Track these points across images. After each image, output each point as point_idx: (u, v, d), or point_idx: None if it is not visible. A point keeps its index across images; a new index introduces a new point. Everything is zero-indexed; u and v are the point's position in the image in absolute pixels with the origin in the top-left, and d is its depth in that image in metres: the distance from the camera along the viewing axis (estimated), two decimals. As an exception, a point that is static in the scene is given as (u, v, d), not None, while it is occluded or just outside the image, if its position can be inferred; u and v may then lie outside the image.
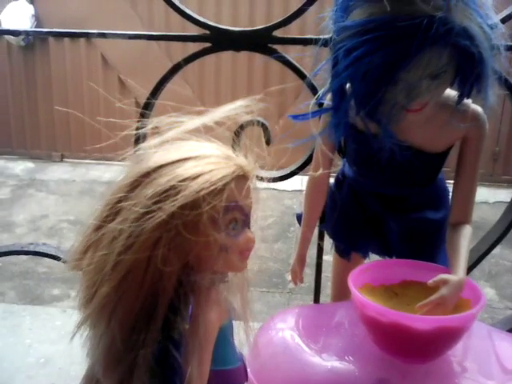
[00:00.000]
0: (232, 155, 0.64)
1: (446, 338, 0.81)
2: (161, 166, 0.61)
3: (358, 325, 0.91)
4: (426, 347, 0.82)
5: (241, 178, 0.62)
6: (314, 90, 1.06)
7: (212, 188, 0.59)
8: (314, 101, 0.92)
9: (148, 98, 1.11)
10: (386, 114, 0.83)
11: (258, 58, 3.96)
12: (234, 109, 0.65)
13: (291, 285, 2.67)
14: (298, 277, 1.15)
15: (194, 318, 0.61)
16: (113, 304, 0.60)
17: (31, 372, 1.27)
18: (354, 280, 0.87)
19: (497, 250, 2.99)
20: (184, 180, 0.59)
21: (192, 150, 0.63)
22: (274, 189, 4.01)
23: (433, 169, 0.99)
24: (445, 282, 0.83)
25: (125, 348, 0.60)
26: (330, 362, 0.85)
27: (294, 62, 1.10)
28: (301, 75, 1.10)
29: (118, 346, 0.60)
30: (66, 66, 4.08)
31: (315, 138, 0.97)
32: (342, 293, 1.16)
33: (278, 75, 3.93)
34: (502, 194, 3.59)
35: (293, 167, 1.23)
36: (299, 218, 1.16)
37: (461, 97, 0.87)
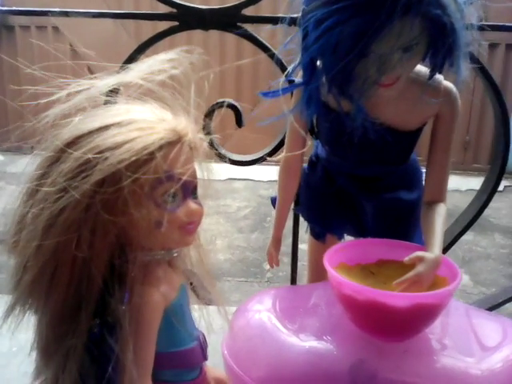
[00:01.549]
0: (167, 118, 0.57)
1: (424, 315, 0.81)
2: (79, 137, 0.54)
3: (334, 305, 0.89)
4: (404, 325, 0.82)
5: (174, 143, 0.56)
6: (283, 67, 1.04)
7: (133, 159, 0.52)
8: (283, 77, 0.89)
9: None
10: (357, 89, 0.82)
11: (230, 40, 3.95)
12: (157, 62, 0.58)
13: (269, 274, 2.67)
14: (273, 260, 1.13)
15: (130, 300, 0.56)
16: (40, 293, 0.55)
17: (3, 361, 1.24)
18: (330, 259, 0.85)
19: (470, 237, 3.07)
20: (101, 152, 0.52)
21: (117, 114, 0.56)
22: (249, 179, 4.02)
23: (405, 147, 0.98)
24: (421, 260, 0.82)
25: (56, 339, 0.56)
26: (308, 343, 0.84)
27: (260, 38, 1.08)
28: (269, 53, 1.07)
29: (49, 337, 0.56)
30: (34, 57, 3.97)
31: (287, 115, 0.94)
32: (318, 275, 1.14)
33: (251, 56, 3.91)
34: (473, 182, 3.66)
35: (266, 150, 1.22)
36: (274, 201, 1.15)
37: (433, 71, 0.86)
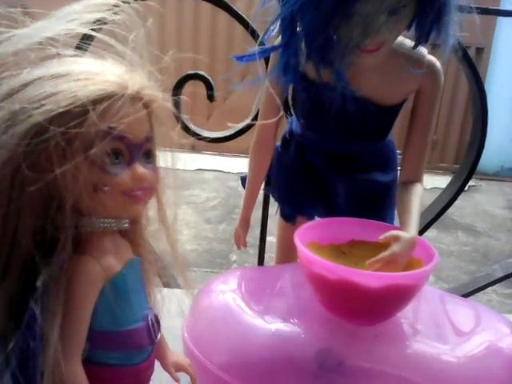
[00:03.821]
0: (114, 71, 0.52)
1: (397, 296, 0.76)
2: (14, 89, 0.49)
3: (303, 287, 0.84)
4: (376, 307, 0.77)
5: (119, 98, 0.50)
6: (257, 38, 0.98)
7: (60, 111, 0.47)
8: (260, 39, 0.84)
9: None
10: (339, 54, 0.77)
11: (205, 10, 3.91)
12: (86, 6, 0.52)
13: (235, 265, 2.62)
14: (241, 241, 1.08)
15: (64, 267, 0.50)
16: None
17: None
18: (301, 237, 0.80)
19: (433, 234, 3.09)
20: (32, 103, 0.47)
21: (60, 65, 0.52)
22: (219, 171, 3.97)
23: (384, 123, 0.94)
24: (396, 239, 0.78)
25: None
26: (274, 325, 0.79)
27: (235, 7, 1.02)
28: (242, 22, 1.02)
29: None
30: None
31: (262, 80, 0.89)
32: (286, 258, 1.10)
33: (226, 28, 3.87)
34: (438, 181, 3.70)
35: (239, 127, 1.16)
36: (244, 180, 1.09)
37: (419, 39, 0.82)
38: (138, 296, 0.58)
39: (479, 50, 4.15)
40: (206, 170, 3.95)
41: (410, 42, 0.86)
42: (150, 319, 0.58)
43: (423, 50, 0.87)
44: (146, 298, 0.60)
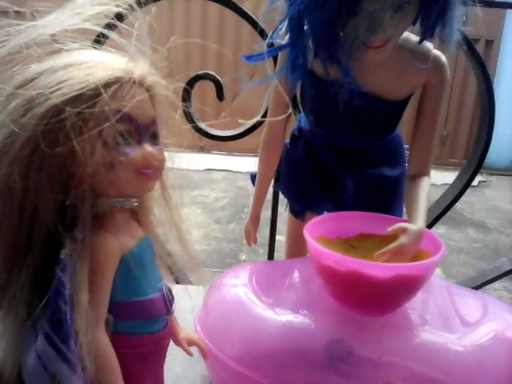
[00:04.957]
0: (120, 59, 0.57)
1: (405, 287, 0.78)
2: (29, 79, 0.54)
3: (313, 280, 0.86)
4: (384, 297, 0.79)
5: (126, 82, 0.54)
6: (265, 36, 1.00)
7: (74, 94, 0.51)
8: (268, 38, 0.86)
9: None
10: (345, 51, 0.79)
11: (213, 11, 3.94)
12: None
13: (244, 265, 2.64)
14: (251, 237, 1.10)
15: (85, 242, 0.54)
16: None
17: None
18: (310, 231, 0.82)
19: (443, 230, 3.07)
20: (48, 88, 0.52)
21: (69, 56, 0.56)
22: (228, 170, 3.98)
23: (391, 117, 0.95)
24: (404, 231, 0.80)
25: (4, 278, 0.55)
26: (284, 317, 0.80)
27: (243, 7, 1.04)
28: (250, 21, 1.04)
29: None
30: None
31: (271, 79, 0.91)
32: (296, 254, 1.12)
33: (234, 28, 3.88)
34: (448, 177, 3.67)
35: (248, 125, 1.18)
36: (253, 177, 1.11)
37: (424, 34, 0.83)
38: (152, 269, 0.62)
39: (489, 42, 4.14)
40: (214, 169, 3.97)
41: (415, 37, 0.88)
42: (164, 290, 0.63)
43: (429, 44, 0.88)
44: (159, 272, 0.65)
